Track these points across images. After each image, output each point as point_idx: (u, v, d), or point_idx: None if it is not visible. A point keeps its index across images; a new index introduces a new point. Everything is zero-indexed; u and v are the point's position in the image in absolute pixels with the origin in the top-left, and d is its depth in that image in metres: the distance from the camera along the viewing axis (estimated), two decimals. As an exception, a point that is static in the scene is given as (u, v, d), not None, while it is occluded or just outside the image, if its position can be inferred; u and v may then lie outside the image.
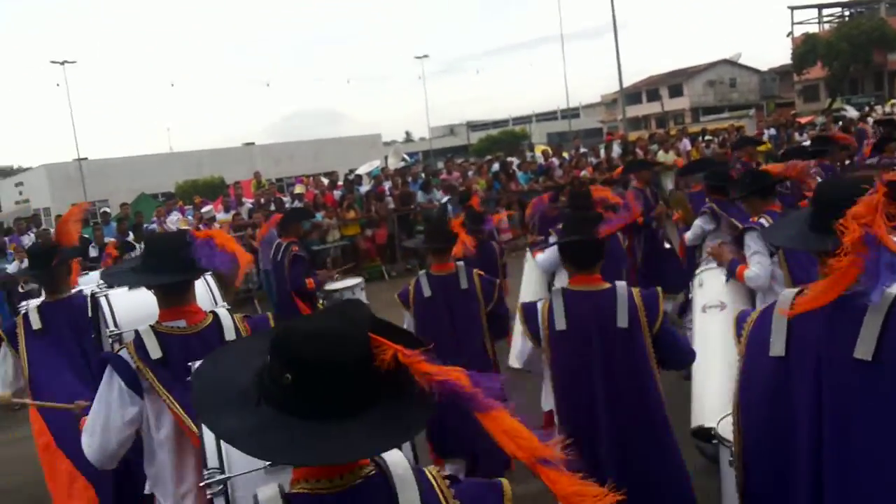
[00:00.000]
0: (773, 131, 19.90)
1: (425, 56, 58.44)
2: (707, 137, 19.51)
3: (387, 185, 14.93)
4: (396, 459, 1.53)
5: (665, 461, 3.16)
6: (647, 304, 3.17)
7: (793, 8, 52.73)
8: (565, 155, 17.85)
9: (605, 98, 61.21)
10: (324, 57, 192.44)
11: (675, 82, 59.55)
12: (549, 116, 66.97)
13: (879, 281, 1.84)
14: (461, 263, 4.58)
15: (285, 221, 7.17)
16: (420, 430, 1.58)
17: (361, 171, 17.35)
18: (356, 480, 1.47)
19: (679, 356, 3.30)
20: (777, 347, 2.20)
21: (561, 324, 3.18)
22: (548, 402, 3.36)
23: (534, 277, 5.04)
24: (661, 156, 16.26)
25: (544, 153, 17.87)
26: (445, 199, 13.36)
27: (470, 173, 15.95)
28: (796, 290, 2.23)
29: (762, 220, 4.33)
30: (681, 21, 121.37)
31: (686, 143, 17.94)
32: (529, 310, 3.29)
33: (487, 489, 1.61)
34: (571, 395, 3.20)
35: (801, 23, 53.12)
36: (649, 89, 60.33)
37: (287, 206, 12.94)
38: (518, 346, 3.48)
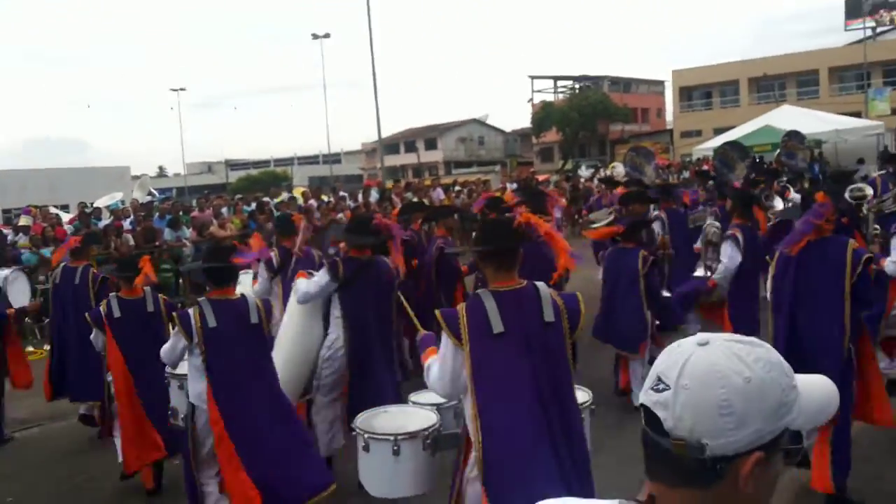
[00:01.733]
0: (514, 186, 21.70)
1: (182, 89, 55.57)
2: (457, 188, 20.81)
3: (128, 220, 13.81)
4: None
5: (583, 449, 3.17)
6: (569, 306, 3.13)
7: (533, 77, 58.54)
8: (324, 198, 17.89)
9: (366, 146, 62.75)
10: (69, 83, 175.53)
11: (430, 136, 62.89)
12: (311, 160, 67.05)
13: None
14: (147, 288, 5.40)
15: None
16: None
17: (100, 203, 15.89)
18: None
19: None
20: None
21: (498, 326, 3.02)
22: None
23: (296, 308, 5.13)
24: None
25: (304, 194, 17.83)
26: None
27: (224, 210, 15.32)
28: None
29: None
30: (437, 80, 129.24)
31: (439, 192, 18.97)
32: (450, 314, 3.12)
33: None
34: (509, 397, 3.02)
35: (539, 91, 59.07)
36: (407, 141, 63.04)
37: (9, 239, 11.43)
38: (434, 374, 3.17)
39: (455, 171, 52.26)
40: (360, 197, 18.27)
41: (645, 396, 1.08)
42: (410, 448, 3.54)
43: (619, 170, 20.21)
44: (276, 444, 4.13)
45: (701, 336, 1.09)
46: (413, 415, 3.85)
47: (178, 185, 52.98)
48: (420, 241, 7.74)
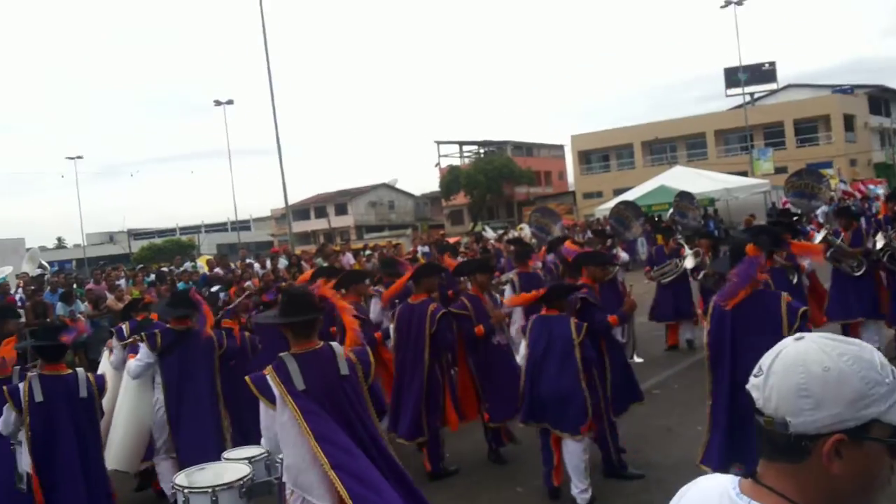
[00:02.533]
0: (426, 248, 21.80)
1: (79, 157, 53.49)
2: (367, 252, 20.69)
3: (17, 296, 13.00)
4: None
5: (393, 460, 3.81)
6: (361, 359, 3.76)
7: (438, 142, 59.81)
8: (231, 265, 17.45)
9: (275, 212, 62.01)
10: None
11: (340, 201, 62.86)
12: (218, 228, 65.58)
13: None
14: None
15: None
16: None
17: (-13, 278, 14.90)
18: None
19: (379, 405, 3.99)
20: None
21: (300, 384, 3.52)
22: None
23: (129, 384, 6.10)
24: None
25: (209, 263, 17.38)
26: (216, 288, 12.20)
27: (122, 282, 14.66)
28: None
29: None
30: (346, 145, 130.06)
31: (349, 257, 18.77)
32: (259, 379, 3.59)
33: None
34: (335, 440, 3.49)
35: (445, 156, 60.32)
36: (317, 206, 62.77)
37: None
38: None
39: (367, 235, 52.27)
40: (268, 263, 17.91)
41: (749, 383, 1.29)
42: (227, 497, 3.88)
43: (525, 231, 20.73)
44: None
45: (801, 333, 1.30)
46: (229, 469, 4.20)
47: (78, 257, 50.61)
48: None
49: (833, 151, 43.03)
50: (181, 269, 16.50)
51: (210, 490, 3.87)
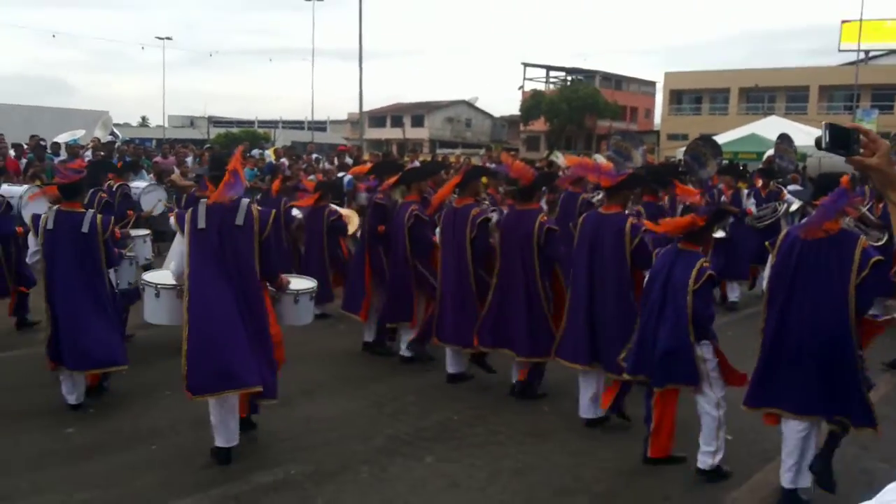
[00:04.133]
0: (493, 166, 21.30)
1: (168, 38, 54.25)
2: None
3: (86, 158, 13.17)
4: None
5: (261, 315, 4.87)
6: (261, 217, 4.67)
7: (525, 65, 58.06)
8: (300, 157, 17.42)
9: (352, 116, 61.92)
10: (53, 21, 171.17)
11: (418, 113, 62.23)
12: (295, 125, 66.05)
13: None
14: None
15: None
16: None
17: (60, 139, 15.18)
18: None
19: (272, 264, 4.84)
20: None
21: (202, 223, 4.63)
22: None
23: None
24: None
25: (276, 152, 17.44)
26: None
27: (189, 160, 14.74)
28: None
29: None
30: (430, 58, 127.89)
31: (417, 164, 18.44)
32: (181, 216, 4.78)
33: None
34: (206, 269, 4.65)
35: (530, 79, 58.62)
36: (394, 115, 62.33)
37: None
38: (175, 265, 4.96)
39: (440, 150, 51.73)
40: (335, 160, 17.82)
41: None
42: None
43: (600, 160, 19.91)
44: (94, 326, 5.42)
45: None
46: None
47: (159, 137, 51.82)
48: (392, 204, 7.21)
49: (944, 122, 39.85)
50: (248, 155, 16.49)
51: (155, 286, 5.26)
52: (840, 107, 44.86)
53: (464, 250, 6.08)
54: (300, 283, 5.51)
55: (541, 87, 57.95)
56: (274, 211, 4.96)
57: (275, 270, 4.84)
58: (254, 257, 4.62)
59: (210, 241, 4.56)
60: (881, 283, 4.64)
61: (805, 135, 26.05)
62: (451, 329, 6.20)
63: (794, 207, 10.06)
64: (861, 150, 1.72)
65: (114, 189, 8.62)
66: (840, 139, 1.72)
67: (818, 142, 1.72)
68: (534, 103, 52.84)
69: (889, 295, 7.56)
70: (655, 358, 4.51)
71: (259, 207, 4.75)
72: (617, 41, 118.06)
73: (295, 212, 9.01)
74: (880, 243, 8.42)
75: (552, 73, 59.66)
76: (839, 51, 45.79)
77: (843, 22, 43.46)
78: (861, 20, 39.95)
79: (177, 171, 13.56)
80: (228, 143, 46.82)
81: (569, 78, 58.91)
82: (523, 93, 56.55)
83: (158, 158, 14.71)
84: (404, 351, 6.96)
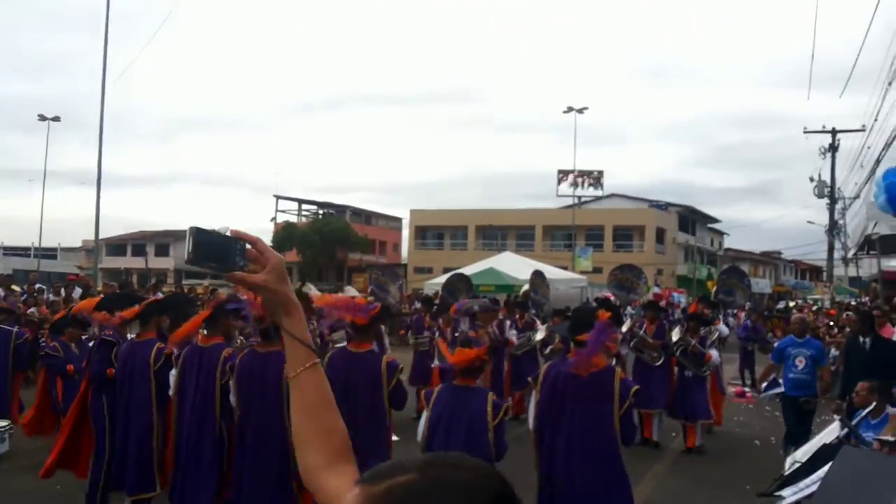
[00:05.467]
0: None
1: None
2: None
3: None
4: None
5: None
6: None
7: (278, 197, 58.60)
8: (14, 288, 15.57)
9: (87, 244, 57.24)
10: None
11: (163, 241, 59.31)
12: (20, 252, 59.28)
13: None
14: None
15: None
16: None
17: None
18: None
19: None
20: None
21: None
22: None
23: None
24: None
25: (-11, 283, 15.46)
26: None
27: None
28: None
29: None
30: (178, 187, 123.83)
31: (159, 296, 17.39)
32: None
33: None
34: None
35: (283, 211, 59.11)
36: (136, 243, 58.84)
37: None
38: None
39: (186, 280, 49.30)
40: (62, 291, 16.25)
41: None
42: None
43: (352, 291, 20.38)
44: None
45: None
46: None
47: None
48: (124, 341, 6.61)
49: (644, 259, 46.70)
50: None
51: None
52: (561, 245, 50.83)
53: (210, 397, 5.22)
54: None
55: (293, 219, 58.56)
56: None
57: None
58: None
59: None
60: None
61: (531, 268, 29.15)
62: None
63: (537, 337, 11.03)
64: (245, 264, 1.41)
65: None
66: (214, 249, 1.37)
67: (187, 255, 1.34)
68: (286, 235, 53.03)
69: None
70: None
71: None
72: (366, 178, 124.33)
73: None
74: (658, 364, 9.56)
75: (304, 207, 60.73)
76: (557, 195, 52.52)
77: (560, 171, 50.15)
78: (575, 170, 46.44)
79: None
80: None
81: (320, 211, 60.31)
82: (275, 224, 56.66)
83: None
84: None
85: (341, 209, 59.77)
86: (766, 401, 11.42)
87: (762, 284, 53.54)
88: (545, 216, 52.79)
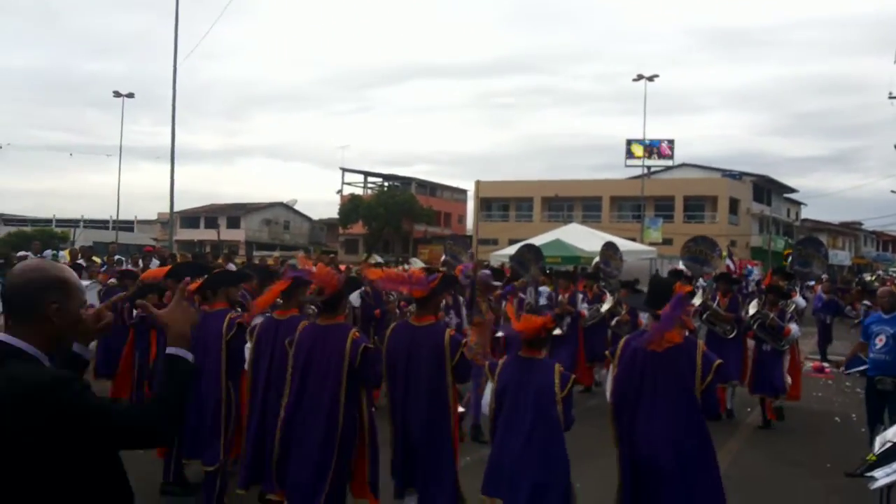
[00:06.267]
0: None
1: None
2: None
3: None
4: None
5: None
6: None
7: (344, 170, 59.20)
8: (96, 259, 16.21)
9: (162, 216, 59.21)
10: None
11: (234, 214, 60.83)
12: (99, 225, 61.85)
13: None
14: None
15: None
16: None
17: None
18: None
19: None
20: None
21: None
22: None
23: None
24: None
25: (71, 253, 16.25)
26: None
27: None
28: None
29: None
30: (249, 161, 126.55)
31: (231, 268, 17.83)
32: None
33: None
34: None
35: (349, 184, 59.73)
36: (208, 216, 60.44)
37: None
38: None
39: (257, 252, 50.54)
40: (140, 262, 16.78)
41: None
42: None
43: (417, 265, 20.45)
44: None
45: None
46: None
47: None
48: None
49: (716, 230, 45.29)
50: (38, 256, 15.14)
51: None
52: (629, 216, 49.76)
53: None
54: None
55: (359, 191, 59.15)
56: None
57: None
58: None
59: None
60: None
61: (601, 240, 28.61)
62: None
63: (604, 308, 10.86)
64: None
65: None
66: None
67: None
68: (352, 207, 53.69)
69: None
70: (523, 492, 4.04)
71: None
72: (431, 150, 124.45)
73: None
74: (731, 336, 9.41)
75: (370, 179, 61.22)
76: (625, 166, 51.37)
77: (629, 141, 48.96)
78: (644, 140, 45.28)
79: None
80: (20, 242, 42.77)
81: (386, 184, 60.71)
82: (342, 197, 57.35)
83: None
84: None
85: (406, 181, 60.01)
86: (845, 377, 10.95)
87: (841, 256, 51.51)
88: (613, 186, 51.71)
